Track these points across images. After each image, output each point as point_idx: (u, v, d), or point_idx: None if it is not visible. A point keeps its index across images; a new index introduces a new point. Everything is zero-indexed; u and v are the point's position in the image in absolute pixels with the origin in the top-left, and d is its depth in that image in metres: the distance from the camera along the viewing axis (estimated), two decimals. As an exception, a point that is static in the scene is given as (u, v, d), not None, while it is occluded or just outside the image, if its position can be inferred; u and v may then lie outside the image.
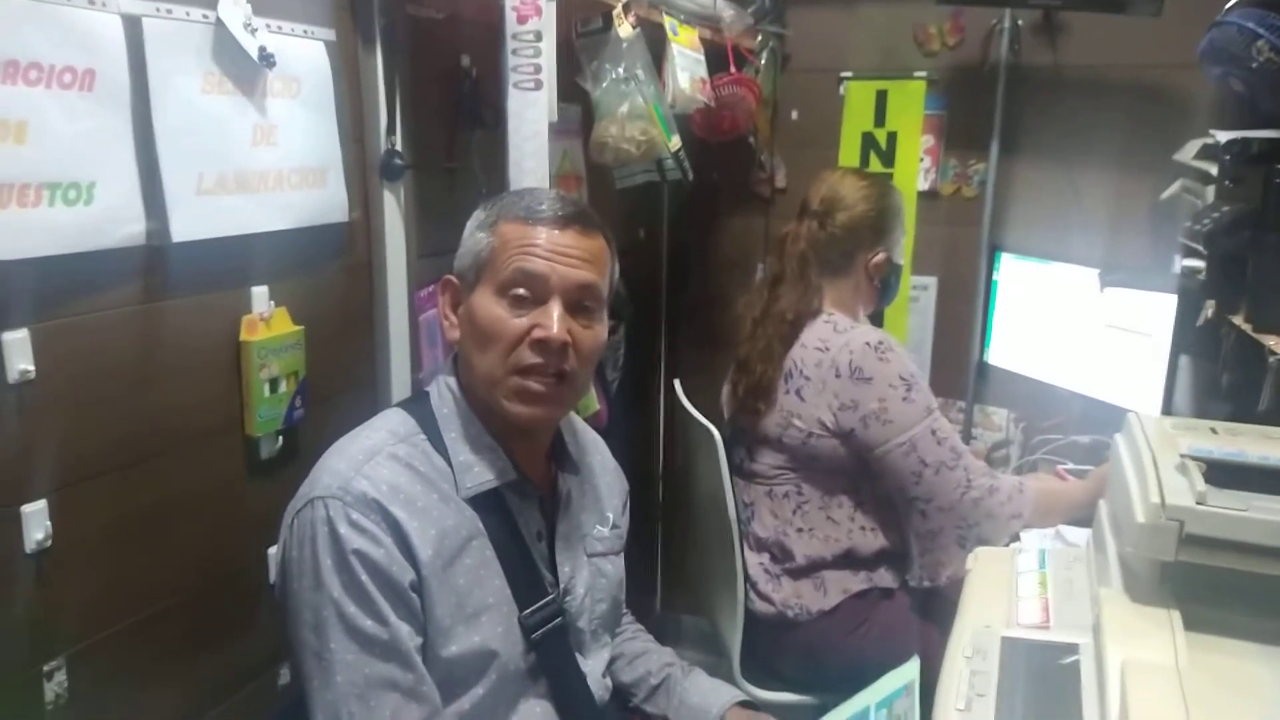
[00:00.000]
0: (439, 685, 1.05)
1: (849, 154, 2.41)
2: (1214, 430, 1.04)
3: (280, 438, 1.36)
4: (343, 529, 1.00)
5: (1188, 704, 0.74)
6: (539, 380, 1.08)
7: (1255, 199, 1.42)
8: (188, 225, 1.18)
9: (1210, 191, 1.77)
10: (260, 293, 1.32)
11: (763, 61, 2.34)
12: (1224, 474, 0.91)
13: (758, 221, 2.53)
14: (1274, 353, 1.28)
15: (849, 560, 1.75)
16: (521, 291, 1.07)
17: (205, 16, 1.18)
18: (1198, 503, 0.83)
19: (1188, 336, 1.74)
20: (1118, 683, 0.78)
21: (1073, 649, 0.92)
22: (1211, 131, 1.84)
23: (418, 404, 1.15)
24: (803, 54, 2.46)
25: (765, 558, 1.80)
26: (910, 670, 1.00)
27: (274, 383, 1.32)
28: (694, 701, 1.31)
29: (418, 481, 1.06)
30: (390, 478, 1.04)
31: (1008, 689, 0.88)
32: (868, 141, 2.40)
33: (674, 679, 1.34)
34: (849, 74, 2.41)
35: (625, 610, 1.42)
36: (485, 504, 1.10)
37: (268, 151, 1.30)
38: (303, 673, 1.02)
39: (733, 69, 2.14)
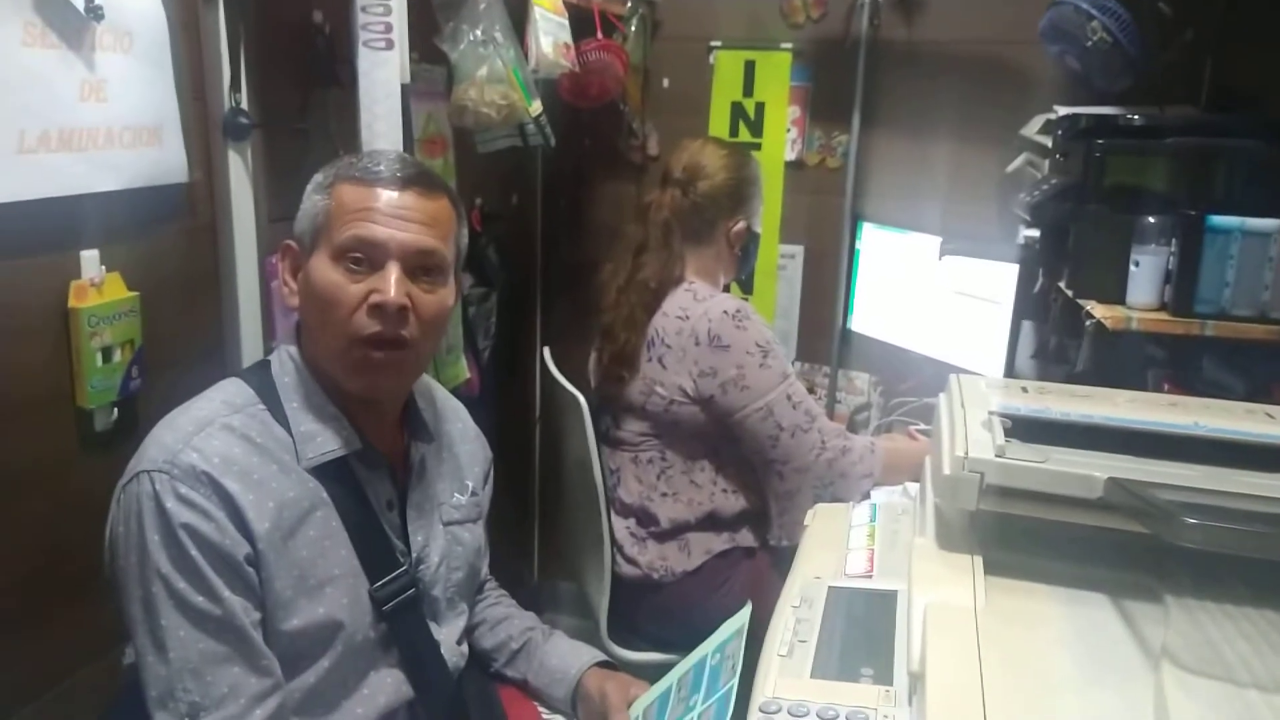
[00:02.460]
0: (281, 659, 1.03)
1: (718, 123, 2.45)
2: (1025, 389, 1.12)
3: (115, 409, 1.30)
4: (169, 503, 0.97)
5: (980, 643, 0.80)
6: (378, 350, 1.06)
7: (1080, 172, 1.51)
8: (7, 186, 1.12)
9: (1048, 164, 1.87)
10: (91, 257, 1.26)
11: (632, 29, 2.34)
12: (1026, 428, 0.97)
13: (630, 188, 2.55)
14: (1091, 316, 1.37)
15: (711, 522, 1.79)
16: (358, 256, 1.05)
17: (25, -35, 1.11)
18: (997, 455, 0.89)
19: (1027, 302, 1.84)
20: (920, 625, 0.83)
21: (891, 596, 0.98)
22: (1054, 107, 1.94)
23: (257, 373, 1.12)
24: (673, 22, 2.47)
25: (631, 522, 1.83)
26: (742, 615, 1.05)
27: (107, 352, 1.27)
28: (553, 664, 1.32)
29: (254, 453, 1.03)
30: (222, 449, 1.01)
31: (828, 635, 0.92)
32: (737, 111, 2.44)
33: (534, 643, 1.35)
34: (718, 44, 2.44)
35: (489, 576, 1.42)
36: (330, 474, 1.08)
37: (97, 108, 1.24)
38: (136, 648, 0.99)
39: (599, 35, 2.13)
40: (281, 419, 1.07)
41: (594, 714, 1.25)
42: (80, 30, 1.20)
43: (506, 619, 1.39)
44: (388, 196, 1.06)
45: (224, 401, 1.06)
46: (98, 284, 1.26)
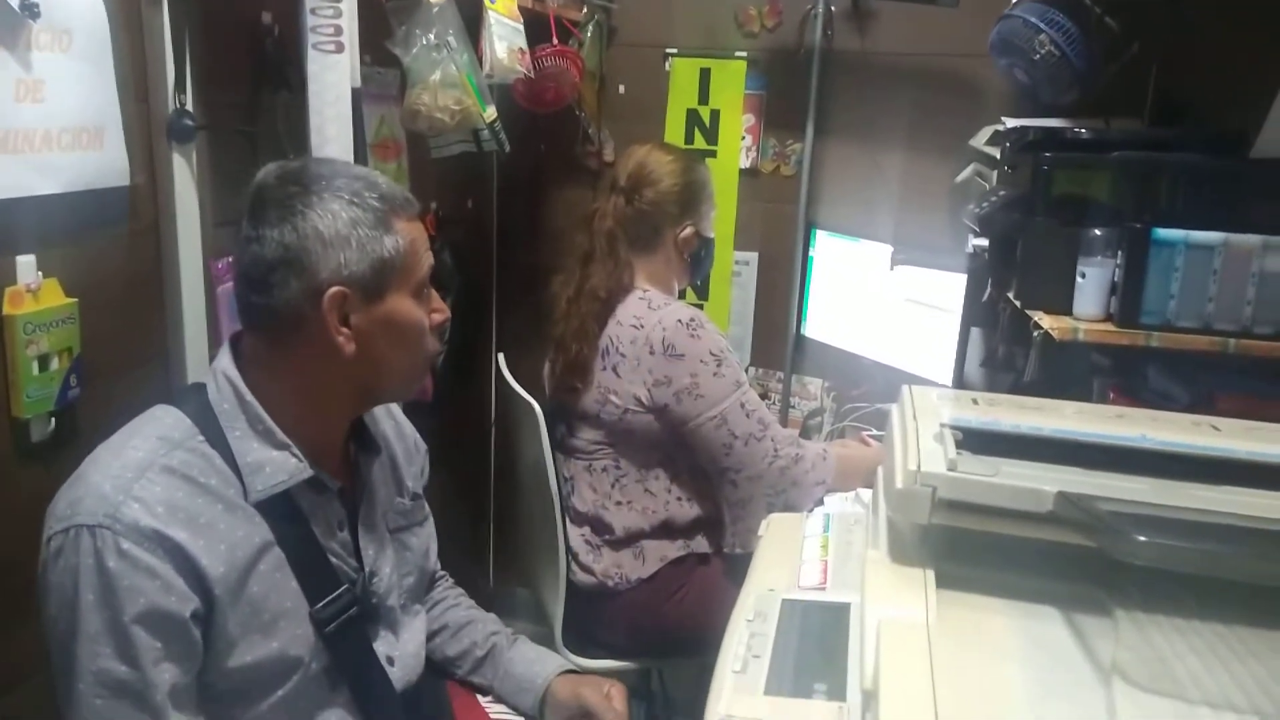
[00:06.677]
0: (232, 692, 1.00)
1: (674, 130, 2.45)
2: (975, 401, 1.13)
3: (53, 419, 1.26)
4: (111, 562, 0.92)
5: (933, 658, 0.80)
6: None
7: (1028, 184, 1.53)
8: (-63, 189, 1.08)
9: (997, 176, 1.90)
10: (26, 263, 1.22)
11: (588, 35, 2.34)
12: (977, 441, 0.98)
13: (586, 194, 2.53)
14: (1039, 327, 1.39)
15: (666, 530, 1.79)
16: (429, 285, 1.11)
17: (-49, -41, 1.07)
18: (949, 469, 0.90)
19: (976, 311, 1.86)
20: (874, 641, 0.83)
21: (845, 608, 0.98)
22: (1002, 119, 1.97)
23: (192, 399, 1.05)
24: (629, 29, 2.47)
25: (586, 530, 1.82)
26: None
27: (44, 360, 1.23)
28: (519, 671, 1.32)
29: (198, 494, 0.98)
30: (165, 495, 0.96)
31: (782, 649, 0.92)
32: (692, 118, 2.44)
33: (499, 648, 1.34)
34: (674, 51, 2.44)
35: (443, 573, 1.41)
36: (275, 506, 1.04)
37: (33, 109, 1.20)
38: (57, 696, 0.96)
39: (555, 41, 2.12)
40: (223, 449, 1.02)
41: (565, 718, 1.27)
42: (15, 28, 1.16)
43: (469, 623, 1.37)
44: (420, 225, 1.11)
45: (160, 438, 1.00)
46: (34, 290, 1.22)
